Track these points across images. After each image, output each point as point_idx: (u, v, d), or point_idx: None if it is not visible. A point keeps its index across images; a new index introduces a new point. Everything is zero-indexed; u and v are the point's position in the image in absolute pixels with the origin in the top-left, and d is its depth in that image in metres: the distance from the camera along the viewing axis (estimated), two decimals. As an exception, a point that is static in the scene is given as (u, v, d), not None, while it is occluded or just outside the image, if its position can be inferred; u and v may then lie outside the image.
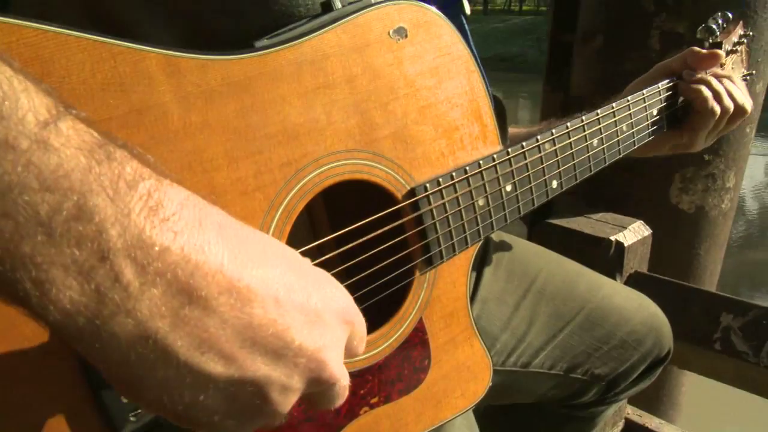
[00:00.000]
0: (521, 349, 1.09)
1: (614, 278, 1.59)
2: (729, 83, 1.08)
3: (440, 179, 0.72)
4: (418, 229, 0.72)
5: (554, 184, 0.86)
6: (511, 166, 0.79)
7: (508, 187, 0.80)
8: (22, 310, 0.34)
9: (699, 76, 1.07)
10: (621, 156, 0.99)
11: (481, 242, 0.80)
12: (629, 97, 0.98)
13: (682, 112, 1.10)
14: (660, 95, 1.04)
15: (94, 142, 0.35)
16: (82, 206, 0.34)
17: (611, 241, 1.59)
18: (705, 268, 2.05)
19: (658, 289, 1.57)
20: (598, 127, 0.91)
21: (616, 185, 1.90)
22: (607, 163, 0.96)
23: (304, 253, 0.63)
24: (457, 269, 0.79)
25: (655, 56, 1.76)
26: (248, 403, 0.41)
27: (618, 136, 0.96)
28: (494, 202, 0.78)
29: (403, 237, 0.72)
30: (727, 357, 1.49)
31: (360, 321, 0.50)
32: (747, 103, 1.09)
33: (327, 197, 0.77)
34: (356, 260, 0.69)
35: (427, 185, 0.71)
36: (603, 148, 0.93)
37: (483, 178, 0.76)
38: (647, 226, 1.70)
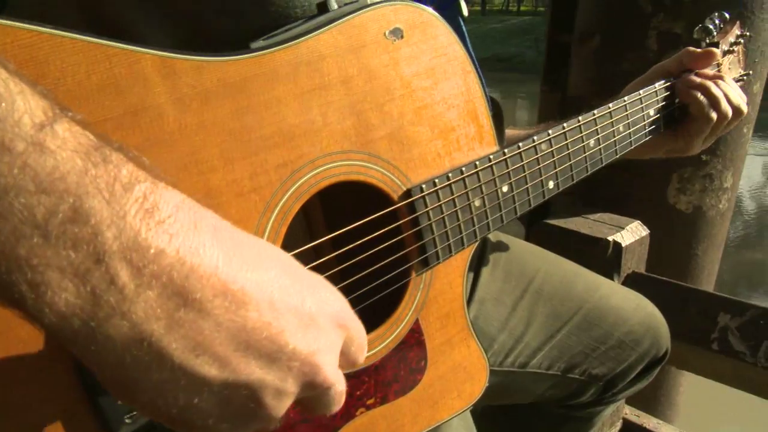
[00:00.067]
0: (519, 350, 1.09)
1: (612, 278, 1.59)
2: (725, 85, 1.08)
3: (436, 180, 0.72)
4: (415, 230, 0.72)
5: (551, 184, 0.86)
6: (507, 166, 0.79)
7: (505, 188, 0.80)
8: (17, 312, 0.34)
9: (698, 80, 1.08)
10: (618, 156, 0.99)
11: (477, 243, 0.80)
12: (626, 98, 0.98)
13: (679, 112, 1.10)
14: (656, 96, 1.04)
15: (90, 145, 0.35)
16: (78, 209, 0.34)
17: (609, 241, 1.59)
18: (702, 268, 2.05)
19: (656, 290, 1.58)
20: (595, 127, 0.92)
21: (614, 185, 1.90)
22: (603, 164, 0.96)
23: (300, 254, 0.63)
24: (453, 270, 0.79)
25: (652, 57, 1.77)
26: (242, 406, 0.41)
27: (615, 137, 0.96)
28: (491, 203, 0.78)
29: (399, 238, 0.72)
30: (725, 357, 1.49)
31: (356, 327, 0.50)
32: (743, 104, 1.09)
33: (324, 198, 0.77)
34: (353, 261, 0.69)
35: (423, 186, 0.71)
36: (600, 149, 0.94)
37: (479, 179, 0.76)
38: (645, 227, 1.71)
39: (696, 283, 2.03)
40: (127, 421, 0.51)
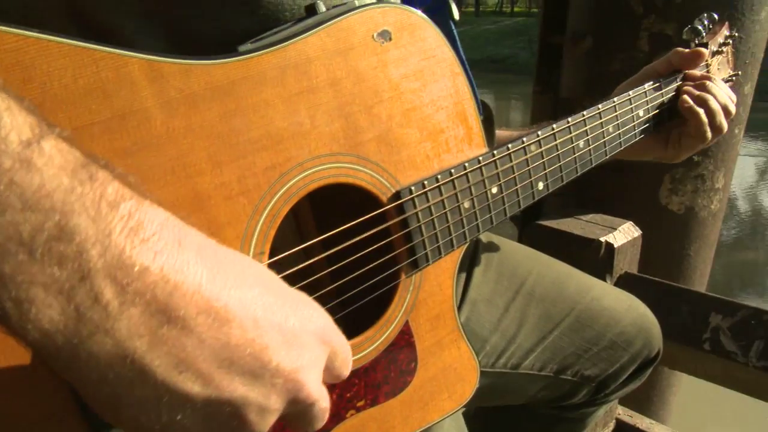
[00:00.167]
0: (511, 351, 1.09)
1: (604, 279, 1.60)
2: (713, 86, 1.09)
3: (425, 182, 0.72)
4: (404, 232, 0.72)
5: (540, 185, 0.86)
6: (496, 168, 0.79)
7: (494, 189, 0.80)
8: (1, 328, 0.34)
9: (698, 93, 1.08)
10: (608, 157, 1.00)
11: (467, 245, 0.80)
12: (615, 99, 0.98)
13: (668, 113, 1.10)
14: (646, 96, 1.04)
15: (77, 162, 0.36)
16: (63, 226, 0.34)
17: (601, 242, 1.60)
18: (695, 268, 2.06)
19: (648, 290, 1.58)
20: (584, 128, 0.92)
21: (606, 187, 1.90)
22: (593, 164, 0.96)
23: (290, 257, 0.63)
24: (443, 272, 0.79)
25: (644, 58, 1.77)
26: (225, 423, 0.41)
27: (604, 138, 0.96)
28: (480, 205, 0.79)
29: (388, 240, 0.72)
30: (717, 357, 1.50)
31: (340, 342, 0.50)
32: (731, 104, 1.10)
33: (313, 201, 0.77)
34: (342, 263, 0.69)
35: (412, 188, 0.71)
36: (589, 150, 0.94)
37: (468, 181, 0.77)
38: (637, 227, 1.71)
39: (688, 284, 2.04)
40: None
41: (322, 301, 0.51)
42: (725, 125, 1.09)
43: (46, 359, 0.36)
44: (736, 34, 1.23)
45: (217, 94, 0.57)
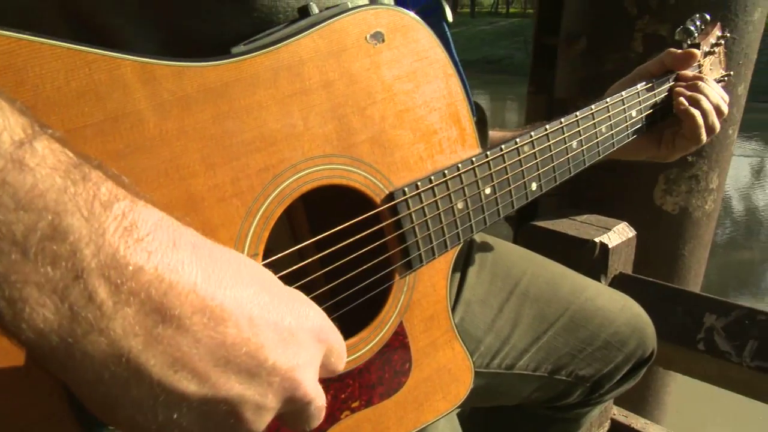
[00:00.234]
0: (505, 351, 1.09)
1: (599, 279, 1.60)
2: (704, 86, 1.10)
3: (419, 183, 0.73)
4: (397, 233, 0.72)
5: (533, 186, 0.87)
6: (490, 169, 0.80)
7: (487, 190, 0.80)
8: None
9: (690, 93, 1.09)
10: (601, 157, 1.00)
11: (461, 245, 0.80)
12: (608, 99, 0.98)
13: (661, 113, 1.11)
14: (639, 97, 1.05)
15: (70, 162, 0.36)
16: (56, 226, 0.34)
17: (596, 242, 1.60)
18: (689, 268, 2.06)
19: (642, 290, 1.59)
20: (578, 129, 0.92)
21: (601, 187, 1.91)
22: (586, 165, 0.97)
23: (284, 258, 0.63)
24: (437, 272, 0.79)
25: (638, 58, 1.78)
26: (222, 422, 0.42)
27: (597, 138, 0.97)
28: (473, 205, 0.79)
29: (382, 241, 0.72)
30: (711, 357, 1.50)
31: (336, 339, 0.50)
32: (723, 104, 1.11)
33: (307, 202, 0.77)
34: (336, 264, 0.69)
35: (406, 189, 0.72)
36: (582, 150, 0.94)
37: (462, 182, 0.77)
38: (631, 228, 1.71)
39: (683, 284, 2.05)
40: (110, 426, 0.51)
41: (316, 302, 0.51)
42: (717, 125, 1.10)
43: (41, 360, 0.36)
44: (728, 35, 1.24)
45: (210, 96, 0.57)
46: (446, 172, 0.75)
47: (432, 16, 0.77)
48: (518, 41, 21.75)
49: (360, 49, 0.67)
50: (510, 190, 0.83)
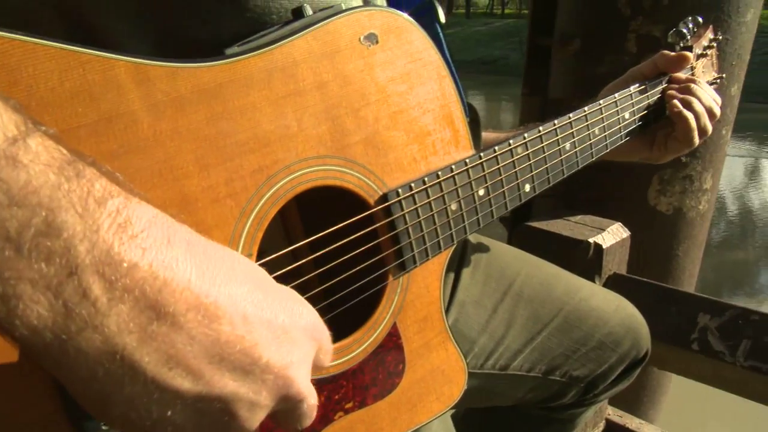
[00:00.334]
0: (499, 352, 1.09)
1: (593, 280, 1.60)
2: (697, 88, 1.10)
3: (412, 184, 0.73)
4: (391, 234, 0.72)
5: (527, 187, 0.87)
6: (483, 170, 0.80)
7: (481, 192, 0.80)
8: None
9: (682, 96, 1.09)
10: (594, 159, 1.00)
11: (454, 246, 0.80)
12: (601, 101, 0.99)
13: (654, 115, 1.11)
14: (631, 99, 1.05)
15: (64, 159, 0.36)
16: (50, 222, 0.34)
17: (590, 243, 1.60)
18: (683, 268, 2.07)
19: (637, 291, 1.59)
20: (571, 131, 0.92)
21: (595, 188, 1.91)
22: (580, 167, 0.97)
23: (278, 259, 0.63)
24: (430, 273, 0.79)
25: (632, 59, 1.78)
26: (216, 419, 0.42)
27: (590, 140, 0.97)
28: (467, 206, 0.79)
29: (376, 242, 0.72)
30: (705, 357, 1.50)
31: (327, 336, 0.51)
32: (715, 106, 1.11)
33: (301, 204, 0.77)
34: (330, 265, 0.69)
35: (399, 190, 0.72)
36: (576, 152, 0.94)
37: (455, 183, 0.77)
38: (626, 228, 1.72)
39: (677, 284, 2.05)
40: (104, 427, 0.51)
41: (309, 303, 0.51)
42: (710, 128, 1.10)
43: (35, 356, 0.36)
44: (721, 37, 1.24)
45: (203, 97, 0.57)
46: (440, 173, 0.75)
47: (425, 17, 0.78)
48: (513, 42, 21.75)
49: (354, 51, 0.67)
50: (503, 191, 0.83)
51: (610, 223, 1.71)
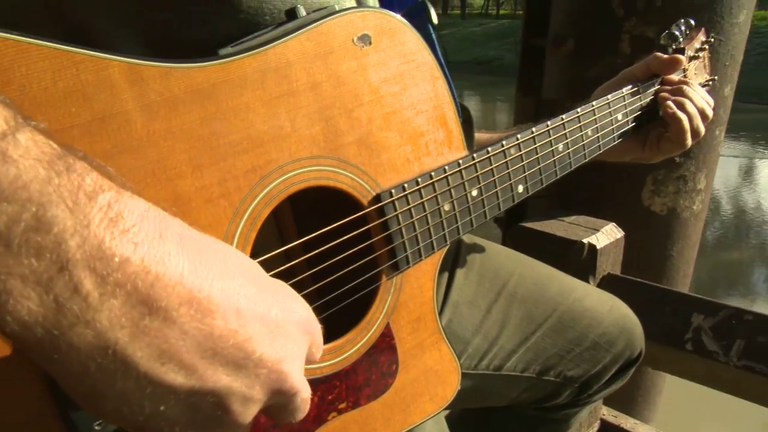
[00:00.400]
0: (493, 353, 1.10)
1: (587, 280, 1.61)
2: (689, 90, 1.10)
3: (405, 185, 0.73)
4: (384, 234, 0.73)
5: (520, 188, 0.87)
6: (476, 171, 0.80)
7: (474, 192, 0.80)
8: None
9: (675, 98, 1.10)
10: (587, 160, 1.00)
11: (447, 247, 0.81)
12: (594, 103, 0.99)
13: (646, 117, 1.12)
14: (624, 100, 1.05)
15: (54, 154, 0.36)
16: (40, 217, 0.34)
17: (584, 243, 1.60)
18: (678, 269, 2.07)
19: (631, 291, 1.59)
20: (564, 132, 0.93)
21: (589, 188, 1.91)
22: (572, 168, 0.97)
23: (271, 259, 0.63)
24: (423, 274, 0.79)
25: (625, 60, 1.79)
26: (209, 414, 0.42)
27: (583, 141, 0.97)
28: (460, 207, 0.79)
29: (369, 242, 0.72)
30: (699, 357, 1.51)
31: (319, 330, 0.51)
32: (707, 108, 1.12)
33: (294, 204, 0.77)
34: (323, 266, 0.70)
35: (393, 191, 0.72)
36: (568, 153, 0.95)
37: (448, 183, 0.77)
38: (620, 228, 1.72)
39: (671, 284, 2.06)
40: (96, 427, 0.51)
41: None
42: (702, 129, 1.11)
43: (26, 352, 0.36)
44: (713, 39, 1.25)
45: (197, 97, 0.57)
46: (433, 174, 0.75)
47: (417, 18, 0.78)
48: (508, 42, 21.77)
49: (347, 52, 0.67)
50: (496, 192, 0.83)
51: (604, 223, 1.71)
